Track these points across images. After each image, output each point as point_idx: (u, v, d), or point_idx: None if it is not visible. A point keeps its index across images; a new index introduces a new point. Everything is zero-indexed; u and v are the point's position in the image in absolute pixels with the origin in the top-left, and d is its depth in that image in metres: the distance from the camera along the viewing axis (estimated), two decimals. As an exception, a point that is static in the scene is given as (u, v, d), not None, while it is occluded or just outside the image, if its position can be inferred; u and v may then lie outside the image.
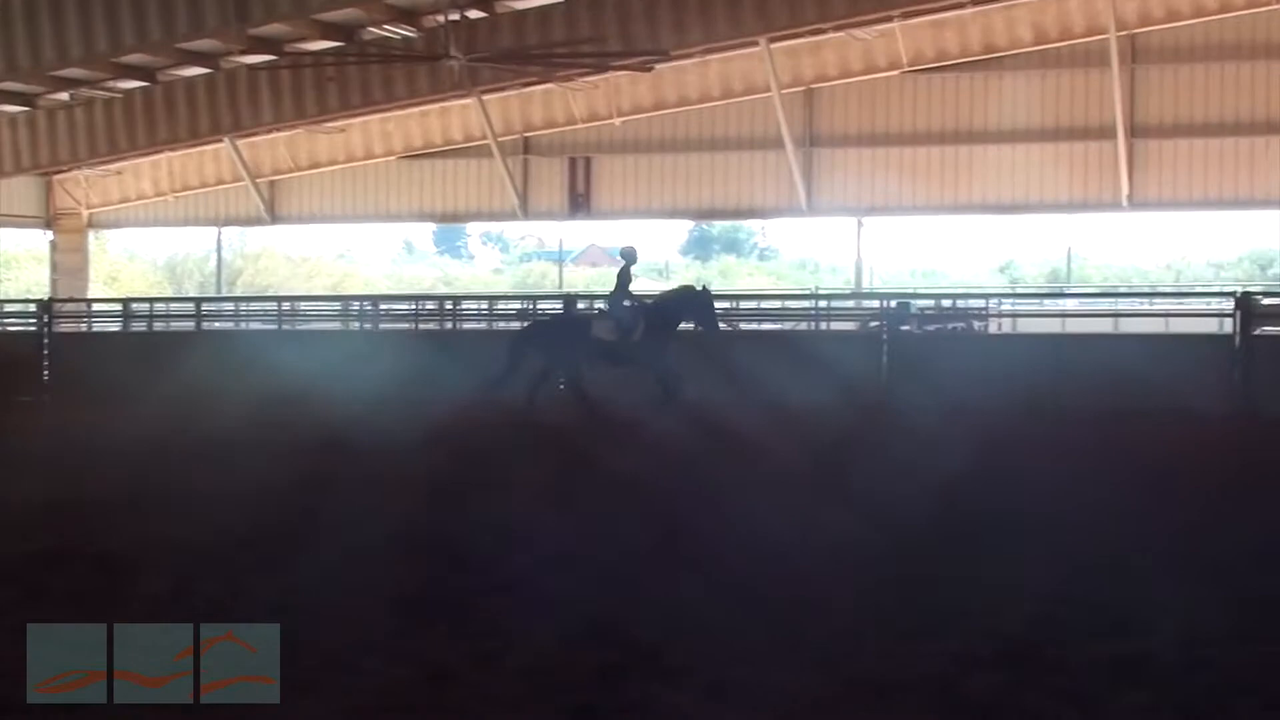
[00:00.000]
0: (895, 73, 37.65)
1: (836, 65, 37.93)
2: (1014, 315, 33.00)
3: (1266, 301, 24.20)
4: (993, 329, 30.46)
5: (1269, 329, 23.06)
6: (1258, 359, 21.35)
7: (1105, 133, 36.18)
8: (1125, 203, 36.65)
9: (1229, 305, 22.77)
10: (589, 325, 21.34)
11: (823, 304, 32.64)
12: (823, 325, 29.22)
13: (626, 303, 21.12)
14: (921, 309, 28.55)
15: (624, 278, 21.21)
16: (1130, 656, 6.76)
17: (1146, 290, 50.65)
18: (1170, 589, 8.14)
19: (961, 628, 7.31)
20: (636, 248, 22.03)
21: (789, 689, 6.22)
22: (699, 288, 22.07)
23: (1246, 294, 22.89)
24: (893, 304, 26.24)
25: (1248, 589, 8.25)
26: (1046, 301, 38.43)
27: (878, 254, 50.33)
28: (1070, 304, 36.35)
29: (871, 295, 31.32)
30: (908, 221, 44.93)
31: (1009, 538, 9.91)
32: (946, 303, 32.07)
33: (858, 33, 36.49)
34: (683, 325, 21.21)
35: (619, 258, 21.97)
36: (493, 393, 20.65)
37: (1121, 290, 50.07)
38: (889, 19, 35.78)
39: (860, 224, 40.17)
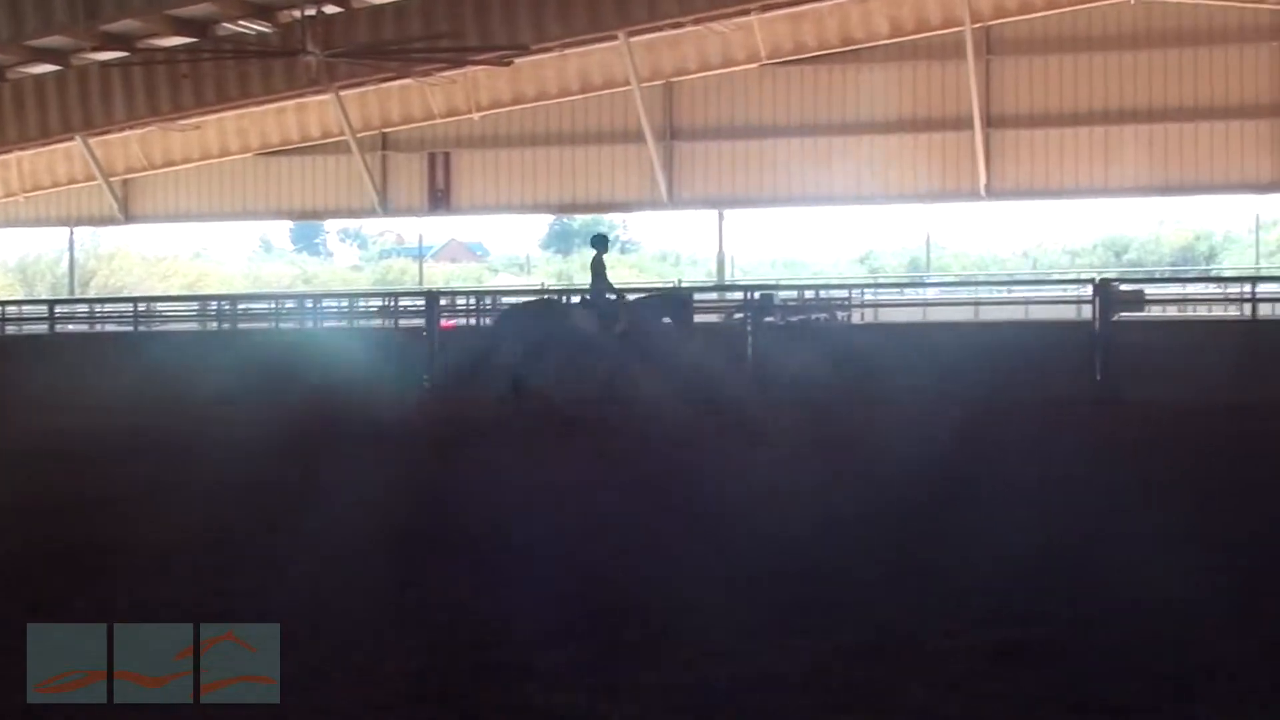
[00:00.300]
0: (754, 66, 37.89)
1: (695, 59, 38.09)
2: (876, 305, 33.33)
3: (1124, 288, 24.64)
4: (855, 319, 30.70)
5: (1126, 315, 23.50)
6: (1116, 344, 21.78)
7: (962, 123, 36.72)
8: (983, 192, 37.20)
9: (1088, 292, 23.19)
10: (568, 314, 20.97)
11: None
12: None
13: (611, 295, 20.87)
14: (785, 300, 28.72)
15: (599, 266, 20.73)
16: (1013, 642, 6.77)
17: (1007, 278, 51.39)
18: (1058, 576, 8.20)
19: (849, 620, 7.29)
20: (607, 233, 21.69)
21: (664, 686, 6.16)
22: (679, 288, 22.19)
23: (1105, 281, 23.36)
24: (756, 296, 26.35)
25: (1138, 572, 8.32)
26: (908, 291, 38.76)
27: (739, 246, 50.67)
28: (932, 293, 36.74)
29: (735, 288, 31.40)
30: (768, 213, 45.27)
31: (886, 531, 9.93)
32: (810, 294, 32.23)
33: (716, 26, 36.69)
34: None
35: (590, 246, 21.36)
36: (470, 381, 20.49)
37: (982, 279, 50.75)
38: (746, 13, 36.02)
39: (721, 216, 40.45)
